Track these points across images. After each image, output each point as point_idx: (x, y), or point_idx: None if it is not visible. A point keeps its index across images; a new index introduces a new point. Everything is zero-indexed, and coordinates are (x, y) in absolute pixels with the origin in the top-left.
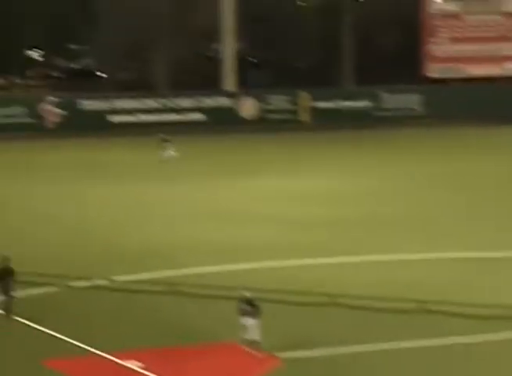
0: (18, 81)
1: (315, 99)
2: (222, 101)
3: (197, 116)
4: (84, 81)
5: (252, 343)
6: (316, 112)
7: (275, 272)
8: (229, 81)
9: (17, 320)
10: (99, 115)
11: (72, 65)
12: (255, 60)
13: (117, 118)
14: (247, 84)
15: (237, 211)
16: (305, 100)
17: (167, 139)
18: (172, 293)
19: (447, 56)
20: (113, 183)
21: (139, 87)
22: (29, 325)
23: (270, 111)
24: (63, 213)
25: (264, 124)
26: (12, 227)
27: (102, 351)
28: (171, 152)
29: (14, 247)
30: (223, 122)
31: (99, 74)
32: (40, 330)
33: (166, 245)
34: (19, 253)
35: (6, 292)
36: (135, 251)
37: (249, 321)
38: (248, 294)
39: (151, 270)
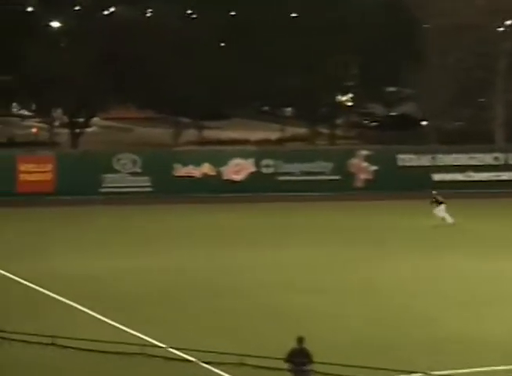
0: (324, 131)
1: None
2: None
3: None
4: (403, 130)
5: None
6: None
7: None
8: None
9: None
10: (421, 172)
11: (389, 112)
12: None
13: (440, 176)
14: None
15: None
16: None
17: (439, 201)
18: None
19: None
20: (428, 252)
21: (470, 139)
22: None
23: None
24: (375, 287)
25: None
26: (302, 303)
27: None
28: (444, 215)
29: (310, 328)
30: None
31: (422, 122)
32: None
33: (492, 333)
34: (317, 335)
35: None
36: (458, 340)
37: None
38: None
39: (479, 364)
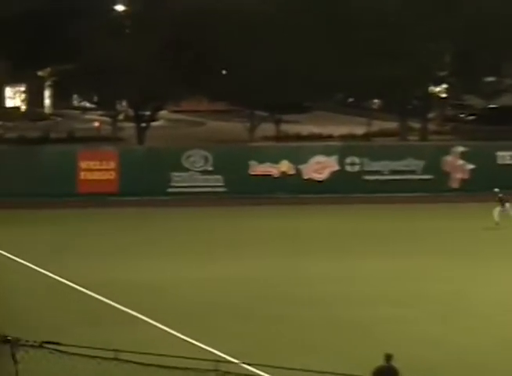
0: (415, 125)
1: None
2: None
3: None
4: (503, 125)
5: None
6: None
7: None
8: None
9: None
10: None
11: (487, 104)
12: None
13: None
14: None
15: None
16: None
17: (503, 199)
18: None
19: None
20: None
21: None
22: None
23: None
24: (470, 301)
25: None
26: (390, 317)
27: None
28: (496, 215)
29: (398, 344)
30: None
31: None
32: None
33: None
34: (404, 352)
35: None
36: None
37: None
38: None
39: None
